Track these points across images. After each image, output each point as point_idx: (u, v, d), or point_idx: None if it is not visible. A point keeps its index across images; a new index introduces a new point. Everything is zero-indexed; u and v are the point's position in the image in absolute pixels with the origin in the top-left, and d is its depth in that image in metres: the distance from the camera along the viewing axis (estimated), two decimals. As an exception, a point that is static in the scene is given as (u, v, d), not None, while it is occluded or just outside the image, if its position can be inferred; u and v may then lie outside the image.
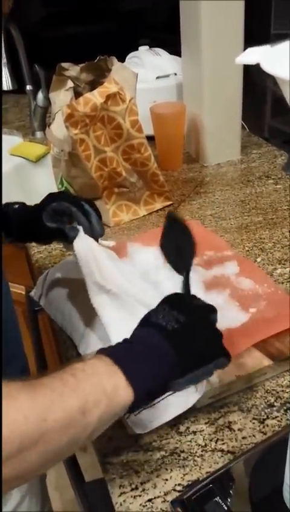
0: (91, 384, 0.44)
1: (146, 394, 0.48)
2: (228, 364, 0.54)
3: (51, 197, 0.75)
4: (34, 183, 1.45)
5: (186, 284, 0.72)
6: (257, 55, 0.32)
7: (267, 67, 0.30)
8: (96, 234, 0.72)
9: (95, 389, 0.44)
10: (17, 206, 0.77)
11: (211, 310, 0.57)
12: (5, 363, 0.62)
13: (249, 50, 0.32)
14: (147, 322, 0.54)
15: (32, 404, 0.40)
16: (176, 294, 0.61)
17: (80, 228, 0.71)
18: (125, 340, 0.52)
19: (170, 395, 0.54)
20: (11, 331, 0.71)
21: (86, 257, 0.68)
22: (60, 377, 0.44)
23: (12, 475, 0.38)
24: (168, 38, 1.36)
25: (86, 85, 1.08)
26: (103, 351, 0.49)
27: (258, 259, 0.90)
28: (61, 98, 1.04)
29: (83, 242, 0.70)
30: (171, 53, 1.42)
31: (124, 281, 0.69)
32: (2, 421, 0.37)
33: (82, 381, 0.44)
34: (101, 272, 0.67)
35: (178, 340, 0.51)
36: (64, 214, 0.72)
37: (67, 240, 0.71)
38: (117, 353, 0.49)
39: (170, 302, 0.56)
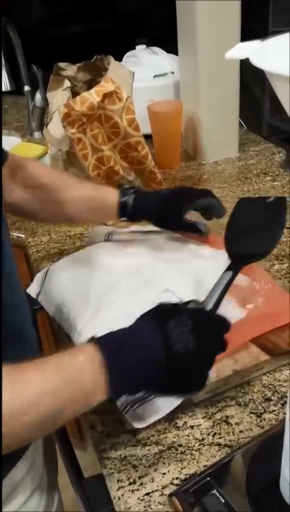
0: (72, 384, 0.47)
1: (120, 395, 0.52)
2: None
3: (185, 192, 0.86)
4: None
5: (221, 294, 0.65)
6: (247, 50, 0.32)
7: (257, 62, 0.30)
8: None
9: (74, 388, 0.48)
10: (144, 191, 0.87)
11: (225, 330, 0.56)
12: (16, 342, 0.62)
13: (240, 45, 0.33)
14: (161, 324, 0.52)
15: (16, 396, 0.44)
16: (203, 312, 0.59)
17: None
18: (123, 338, 0.51)
19: None
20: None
21: None
22: (46, 373, 0.47)
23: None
24: (166, 37, 1.36)
25: (83, 84, 1.08)
26: (99, 344, 0.49)
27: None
28: (58, 97, 1.04)
29: None
30: (168, 52, 1.43)
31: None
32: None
33: (64, 382, 0.47)
34: None
35: (175, 367, 0.51)
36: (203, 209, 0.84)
37: (199, 233, 0.86)
38: (109, 351, 0.49)
39: (194, 321, 0.53)
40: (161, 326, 0.51)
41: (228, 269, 0.69)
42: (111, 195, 0.83)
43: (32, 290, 0.85)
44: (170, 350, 0.50)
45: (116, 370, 0.48)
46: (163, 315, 0.53)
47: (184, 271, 0.81)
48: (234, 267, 0.70)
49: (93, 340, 0.51)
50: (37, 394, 0.45)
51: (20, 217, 1.04)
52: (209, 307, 0.62)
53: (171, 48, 1.35)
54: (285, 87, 0.28)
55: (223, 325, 0.56)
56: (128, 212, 0.83)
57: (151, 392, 0.56)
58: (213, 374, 0.64)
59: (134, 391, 0.54)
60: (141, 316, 0.55)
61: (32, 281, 0.87)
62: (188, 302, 0.59)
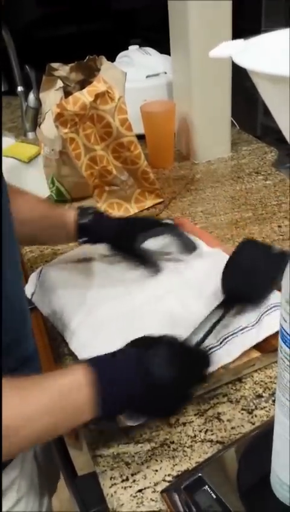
0: (68, 402, 0.51)
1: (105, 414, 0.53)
2: None
3: (144, 222, 0.84)
4: (26, 184, 1.45)
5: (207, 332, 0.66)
6: (230, 48, 0.32)
7: (239, 61, 0.30)
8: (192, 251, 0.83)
9: (70, 407, 0.51)
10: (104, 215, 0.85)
11: (205, 365, 0.59)
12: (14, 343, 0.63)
13: (223, 44, 0.33)
14: (142, 354, 0.55)
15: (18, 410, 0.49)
16: (185, 346, 0.61)
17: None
18: (111, 362, 0.54)
19: None
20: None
21: None
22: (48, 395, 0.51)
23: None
24: (159, 38, 1.37)
25: (75, 85, 1.09)
26: (89, 365, 0.53)
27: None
28: (51, 97, 1.05)
29: None
30: (162, 52, 1.43)
31: None
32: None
33: (60, 400, 0.51)
34: None
35: (151, 395, 0.54)
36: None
37: (148, 268, 0.81)
38: (99, 377, 0.52)
39: (175, 354, 0.56)
40: (142, 356, 0.54)
41: (218, 307, 0.69)
42: (69, 216, 0.82)
43: (27, 290, 0.85)
44: (149, 379, 0.53)
45: (105, 392, 0.51)
46: (146, 345, 0.56)
47: (180, 271, 0.81)
48: (226, 306, 0.69)
49: (84, 362, 0.54)
50: (37, 410, 0.49)
51: None
52: (194, 341, 0.63)
53: (164, 48, 1.36)
54: (267, 86, 0.29)
55: (205, 360, 0.59)
56: (87, 234, 0.82)
57: (133, 414, 0.58)
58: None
59: (117, 413, 0.57)
60: (127, 344, 0.58)
61: (25, 281, 0.87)
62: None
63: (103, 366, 0.53)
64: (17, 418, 0.48)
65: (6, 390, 0.48)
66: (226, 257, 0.83)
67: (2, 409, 0.46)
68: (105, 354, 0.55)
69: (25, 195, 0.81)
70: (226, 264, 0.77)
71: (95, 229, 0.82)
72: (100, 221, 0.83)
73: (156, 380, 0.53)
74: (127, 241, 0.82)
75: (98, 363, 0.53)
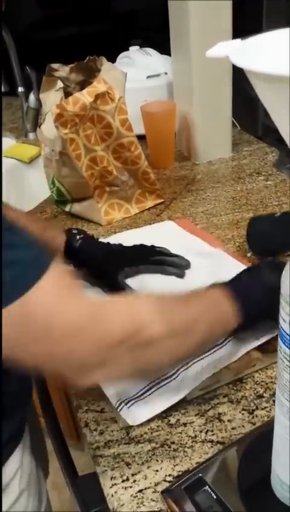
0: (215, 309, 0.60)
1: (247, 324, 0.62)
2: None
3: (127, 256, 0.84)
4: (27, 185, 1.46)
5: None
6: (227, 48, 0.32)
7: (236, 61, 0.30)
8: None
9: (216, 313, 0.60)
10: (87, 239, 0.84)
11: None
12: None
13: (220, 44, 0.33)
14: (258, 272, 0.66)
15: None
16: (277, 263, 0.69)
17: None
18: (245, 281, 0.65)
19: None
20: None
21: None
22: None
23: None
24: (160, 39, 1.37)
25: (76, 85, 1.09)
26: (226, 286, 0.62)
27: (249, 255, 0.91)
28: (51, 98, 1.05)
29: None
30: (163, 53, 1.43)
31: None
32: None
33: (208, 306, 0.59)
34: None
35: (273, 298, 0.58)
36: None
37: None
38: (236, 289, 0.61)
39: (276, 266, 0.65)
40: (258, 273, 0.66)
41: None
42: (59, 241, 0.82)
43: None
44: (267, 287, 0.62)
45: (242, 299, 0.60)
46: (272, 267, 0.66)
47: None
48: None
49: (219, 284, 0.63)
50: (198, 311, 0.58)
51: None
52: None
53: (165, 48, 1.36)
54: (264, 85, 0.29)
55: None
56: (73, 259, 0.82)
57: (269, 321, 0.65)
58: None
59: (254, 321, 0.64)
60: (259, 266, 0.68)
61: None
62: None
63: (235, 285, 0.63)
64: (190, 316, 0.56)
65: (170, 302, 0.56)
66: (228, 258, 0.83)
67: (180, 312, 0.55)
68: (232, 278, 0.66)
69: (17, 213, 0.81)
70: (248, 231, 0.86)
71: (82, 255, 0.82)
72: (88, 248, 0.82)
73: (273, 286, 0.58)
74: (108, 274, 0.81)
75: (230, 284, 0.63)
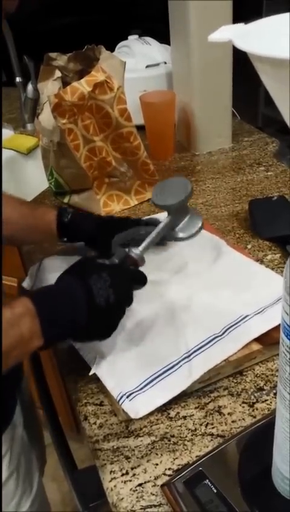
0: (13, 332, 0.54)
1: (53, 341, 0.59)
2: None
3: (123, 223, 0.82)
4: (25, 175, 1.44)
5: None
6: (230, 32, 0.31)
7: (239, 44, 0.29)
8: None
9: (15, 335, 0.54)
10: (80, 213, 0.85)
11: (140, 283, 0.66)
12: None
13: (223, 27, 0.32)
14: (84, 278, 0.60)
15: None
16: (121, 269, 0.67)
17: None
18: (53, 292, 0.61)
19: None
20: None
21: None
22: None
23: None
24: (160, 28, 1.35)
25: (74, 75, 1.07)
26: (32, 297, 0.57)
27: (249, 246, 0.91)
28: (49, 88, 1.03)
29: None
30: (163, 42, 1.42)
31: None
32: None
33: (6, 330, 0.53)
34: None
35: (96, 317, 0.59)
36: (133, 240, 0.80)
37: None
38: (41, 303, 0.57)
39: (112, 276, 0.62)
40: (85, 282, 0.60)
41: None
42: (50, 216, 0.82)
43: (26, 283, 0.85)
44: (93, 303, 0.59)
45: (47, 319, 0.56)
46: (86, 271, 0.62)
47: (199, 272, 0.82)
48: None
49: (28, 293, 0.59)
50: None
51: None
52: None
53: (164, 38, 1.34)
54: (269, 70, 0.28)
55: (139, 279, 0.67)
56: (67, 233, 0.82)
57: (77, 340, 0.65)
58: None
59: (63, 338, 0.62)
60: (67, 271, 0.64)
61: (25, 273, 0.86)
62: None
63: (41, 297, 0.58)
64: None
65: None
66: (246, 260, 0.82)
67: None
68: (45, 286, 0.62)
69: (6, 197, 0.81)
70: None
71: (74, 227, 0.81)
72: (79, 220, 0.82)
73: (101, 303, 0.59)
74: (102, 241, 0.80)
75: (37, 295, 0.58)
